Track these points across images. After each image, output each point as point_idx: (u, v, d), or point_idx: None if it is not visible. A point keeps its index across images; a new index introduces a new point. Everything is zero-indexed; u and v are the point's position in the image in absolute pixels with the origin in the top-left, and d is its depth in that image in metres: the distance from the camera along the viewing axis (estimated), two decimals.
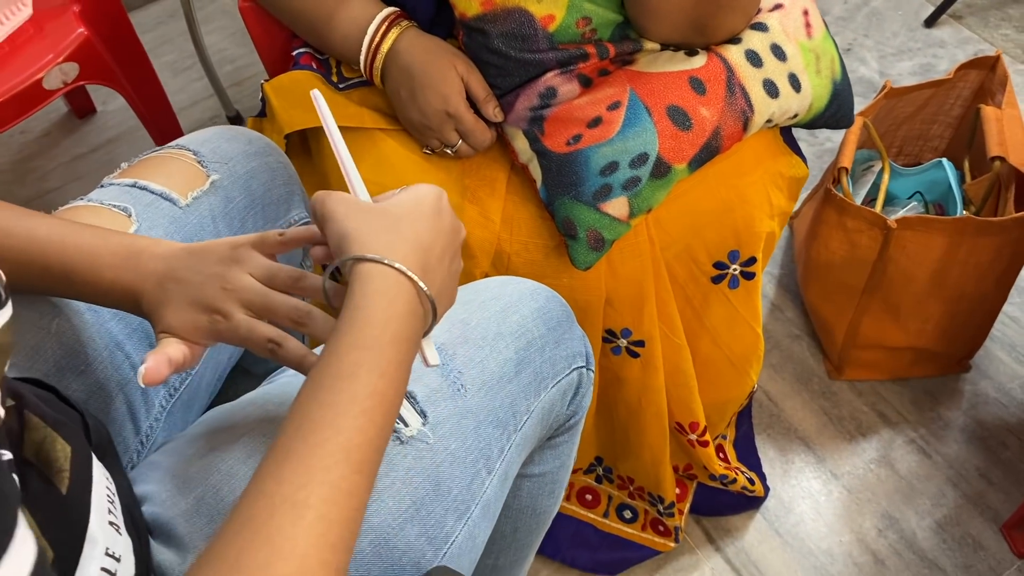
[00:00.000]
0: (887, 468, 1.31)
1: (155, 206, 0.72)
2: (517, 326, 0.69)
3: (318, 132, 0.93)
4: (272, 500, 0.42)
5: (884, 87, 1.27)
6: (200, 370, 0.76)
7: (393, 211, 0.54)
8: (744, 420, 1.31)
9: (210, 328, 0.57)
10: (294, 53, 0.95)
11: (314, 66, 0.93)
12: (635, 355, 0.99)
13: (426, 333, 0.54)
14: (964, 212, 1.22)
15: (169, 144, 0.81)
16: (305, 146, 0.99)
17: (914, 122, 1.38)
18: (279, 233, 0.59)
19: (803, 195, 1.54)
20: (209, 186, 0.75)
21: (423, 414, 0.63)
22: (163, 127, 1.47)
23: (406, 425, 0.62)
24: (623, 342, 0.99)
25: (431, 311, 0.52)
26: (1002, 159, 1.18)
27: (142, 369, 0.54)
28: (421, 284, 0.51)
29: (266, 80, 0.96)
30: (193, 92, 1.86)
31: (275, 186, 0.81)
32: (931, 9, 1.90)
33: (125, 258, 0.58)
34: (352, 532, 0.44)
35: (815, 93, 0.88)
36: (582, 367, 0.75)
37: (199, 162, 0.77)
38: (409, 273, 0.50)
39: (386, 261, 0.50)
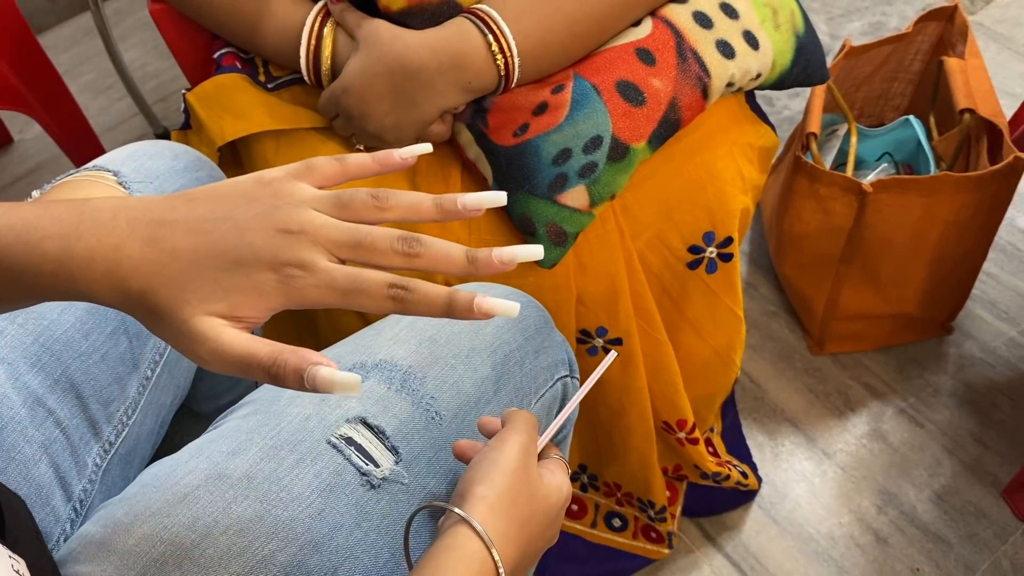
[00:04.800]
0: (879, 441, 1.26)
1: None
2: (492, 339, 0.62)
3: (248, 141, 0.85)
4: None
5: (844, 47, 1.22)
6: (139, 418, 0.67)
7: (534, 504, 0.50)
8: (729, 408, 1.25)
9: (282, 290, 0.40)
10: (215, 55, 0.87)
11: (239, 66, 0.85)
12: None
13: None
14: (937, 170, 1.17)
15: (87, 165, 0.72)
16: (236, 156, 0.90)
17: (874, 81, 1.33)
18: (335, 158, 0.45)
19: None
20: None
21: (395, 451, 0.55)
22: (85, 152, 1.37)
23: (377, 466, 0.55)
24: (599, 342, 0.92)
25: None
26: (971, 111, 1.13)
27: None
28: None
29: (188, 89, 0.87)
30: (116, 112, 1.75)
31: None
32: None
33: (78, 223, 0.41)
34: None
35: (776, 49, 0.81)
36: (565, 376, 0.68)
37: (121, 183, 0.69)
38: (501, 572, 0.47)
39: (494, 553, 0.47)
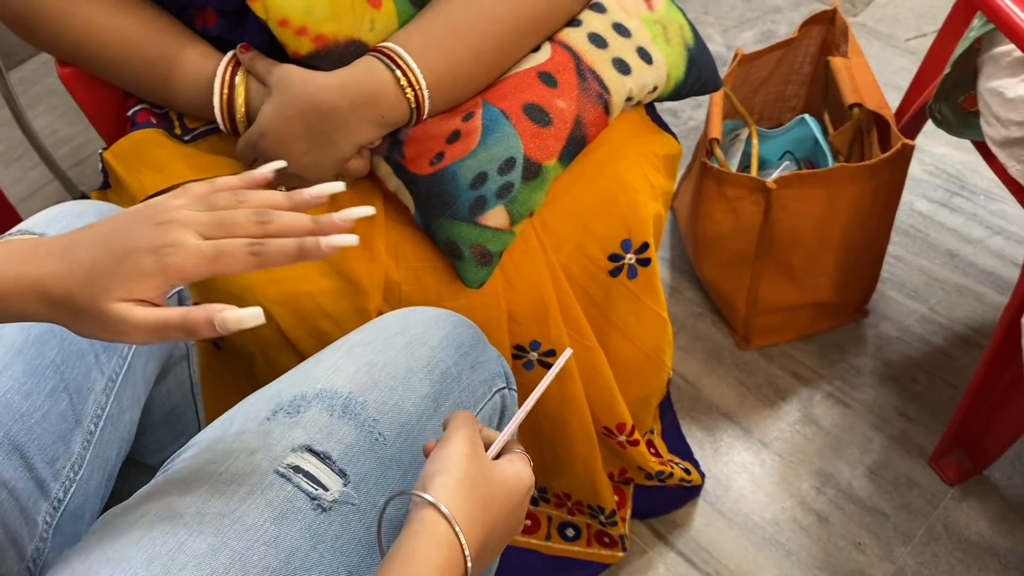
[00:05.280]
0: (812, 426, 1.32)
1: None
2: (427, 359, 0.64)
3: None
4: None
5: (736, 55, 1.29)
6: (86, 473, 0.68)
7: (493, 488, 0.54)
8: (667, 409, 1.29)
9: (160, 267, 0.49)
10: (129, 113, 0.88)
11: (154, 121, 0.86)
12: (548, 366, 0.96)
13: None
14: (834, 163, 1.24)
15: (10, 231, 0.73)
16: None
17: (769, 85, 1.41)
18: (207, 180, 0.56)
19: (679, 176, 1.55)
20: None
21: (342, 474, 0.57)
22: (1, 222, 1.35)
23: (326, 489, 0.56)
24: (534, 355, 0.95)
25: None
26: (859, 105, 1.21)
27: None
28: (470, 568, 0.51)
29: (105, 148, 0.88)
30: (30, 181, 1.73)
31: None
32: None
33: (5, 257, 0.51)
34: None
35: (670, 62, 0.87)
36: (503, 388, 0.71)
37: None
38: (467, 556, 0.50)
39: (459, 532, 0.50)
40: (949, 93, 1.06)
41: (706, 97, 1.42)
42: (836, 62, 1.26)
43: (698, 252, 1.36)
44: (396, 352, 0.64)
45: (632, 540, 1.20)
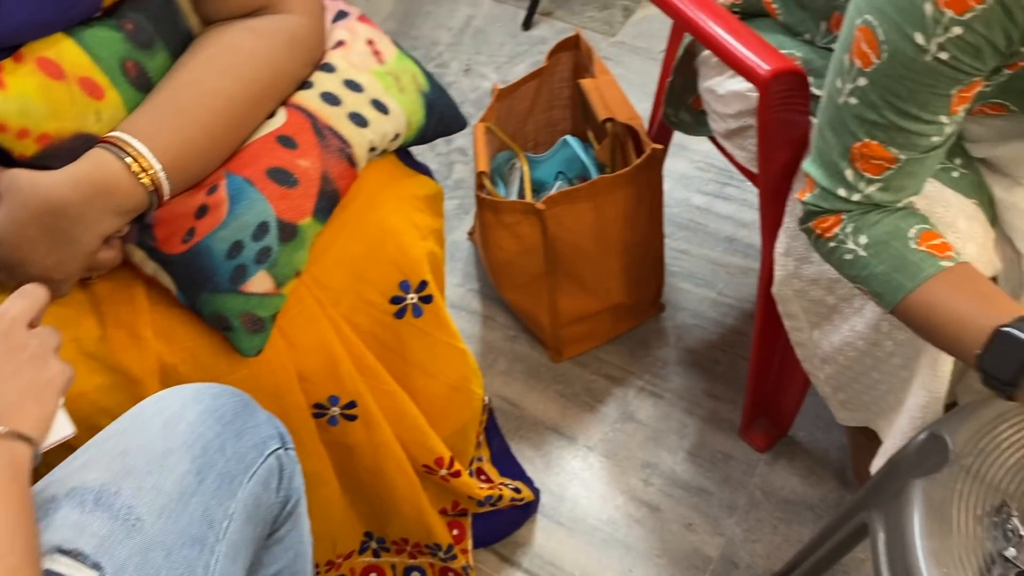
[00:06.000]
0: (631, 422, 1.38)
1: None
2: (186, 435, 0.65)
3: None
4: None
5: (494, 90, 1.35)
6: None
7: None
8: (493, 434, 1.32)
9: None
10: None
11: None
12: (352, 418, 0.97)
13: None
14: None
15: None
16: None
17: (535, 113, 1.49)
18: None
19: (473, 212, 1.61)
20: None
21: (97, 567, 0.56)
22: None
23: None
24: (335, 410, 0.96)
25: None
26: (612, 120, 1.29)
27: None
28: None
29: None
30: None
31: None
32: (524, 13, 2.06)
33: None
34: None
35: (407, 110, 0.91)
36: (278, 449, 0.72)
37: None
38: None
39: None
40: (680, 97, 1.16)
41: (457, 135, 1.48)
42: (586, 83, 1.35)
43: (497, 278, 1.41)
44: (153, 435, 0.64)
45: (477, 569, 1.22)
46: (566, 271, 1.31)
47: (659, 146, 1.22)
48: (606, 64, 1.93)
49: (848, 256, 0.78)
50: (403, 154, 0.98)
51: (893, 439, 0.96)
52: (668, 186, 1.69)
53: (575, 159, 1.36)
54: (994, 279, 0.91)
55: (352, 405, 0.96)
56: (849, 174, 0.75)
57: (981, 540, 0.72)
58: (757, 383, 1.25)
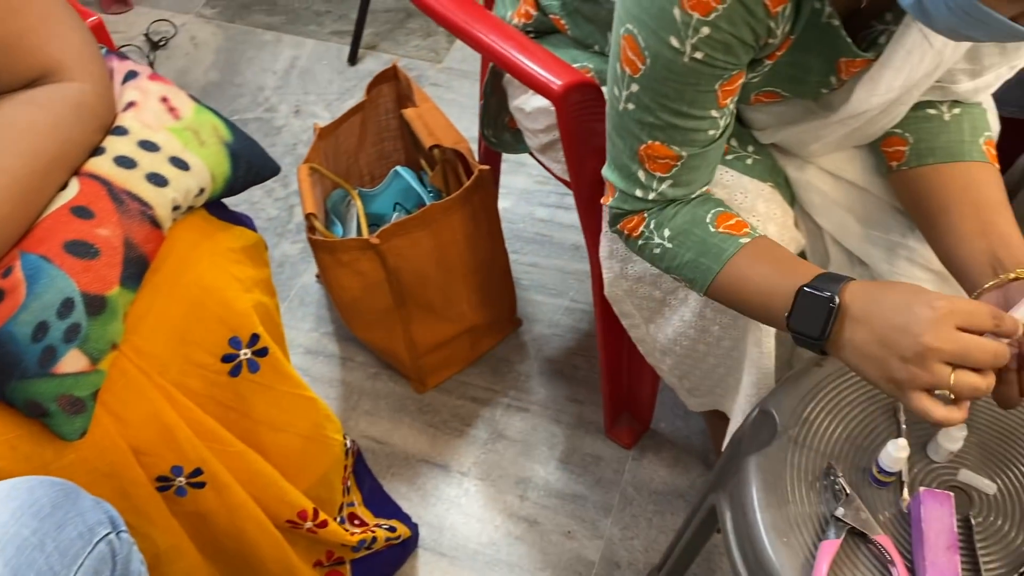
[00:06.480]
0: (502, 440, 1.39)
1: None
2: None
3: None
4: None
5: (314, 130, 1.34)
6: None
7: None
8: (363, 476, 1.30)
9: None
10: None
11: None
12: (200, 486, 0.93)
13: None
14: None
15: None
16: None
17: (366, 147, 1.48)
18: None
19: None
20: None
21: None
22: None
23: None
24: (181, 480, 0.92)
25: None
26: (438, 146, 1.30)
27: None
28: None
29: None
30: None
31: None
32: (348, 49, 2.06)
33: None
34: None
35: (210, 163, 0.89)
36: (108, 534, 0.68)
37: None
38: None
39: None
40: (496, 118, 1.18)
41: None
42: (408, 113, 1.35)
43: (347, 318, 1.39)
44: None
45: None
46: (415, 301, 1.30)
47: (485, 167, 1.24)
48: (436, 90, 1.96)
49: (657, 250, 0.81)
50: (215, 207, 0.96)
51: (735, 418, 1.00)
52: (510, 202, 1.72)
53: (409, 189, 1.36)
54: (802, 254, 0.97)
55: (198, 472, 0.93)
56: (641, 175, 0.78)
57: (815, 504, 0.76)
58: (611, 383, 1.28)
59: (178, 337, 0.89)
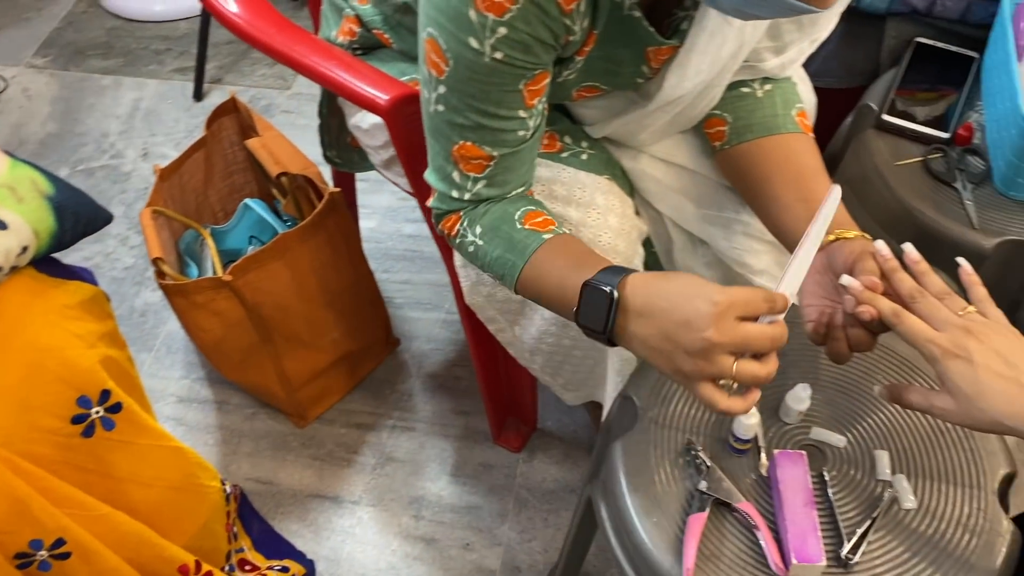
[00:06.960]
0: (391, 463, 1.37)
1: None
2: None
3: None
4: None
5: (156, 172, 1.29)
6: None
7: None
8: (251, 520, 1.27)
9: None
10: None
11: None
12: (64, 557, 0.89)
13: None
14: None
15: None
16: None
17: (214, 182, 1.44)
18: None
19: None
20: None
21: None
22: None
23: None
24: (43, 554, 0.87)
25: None
26: (285, 174, 1.28)
27: None
28: None
29: None
30: None
31: None
32: (192, 85, 2.00)
33: None
34: None
35: (31, 219, 0.85)
36: None
37: None
38: None
39: None
40: (338, 137, 1.16)
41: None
42: (252, 143, 1.32)
43: (214, 361, 1.35)
44: None
45: None
46: (282, 334, 1.27)
47: (336, 190, 1.22)
48: (288, 117, 1.93)
49: (471, 248, 0.81)
50: (45, 264, 0.91)
51: (607, 407, 1.01)
52: (375, 222, 1.70)
53: (262, 221, 1.33)
54: (646, 242, 0.99)
55: (60, 543, 0.88)
56: (456, 176, 0.78)
57: (680, 481, 0.78)
58: (491, 389, 1.28)
59: (18, 404, 0.85)
